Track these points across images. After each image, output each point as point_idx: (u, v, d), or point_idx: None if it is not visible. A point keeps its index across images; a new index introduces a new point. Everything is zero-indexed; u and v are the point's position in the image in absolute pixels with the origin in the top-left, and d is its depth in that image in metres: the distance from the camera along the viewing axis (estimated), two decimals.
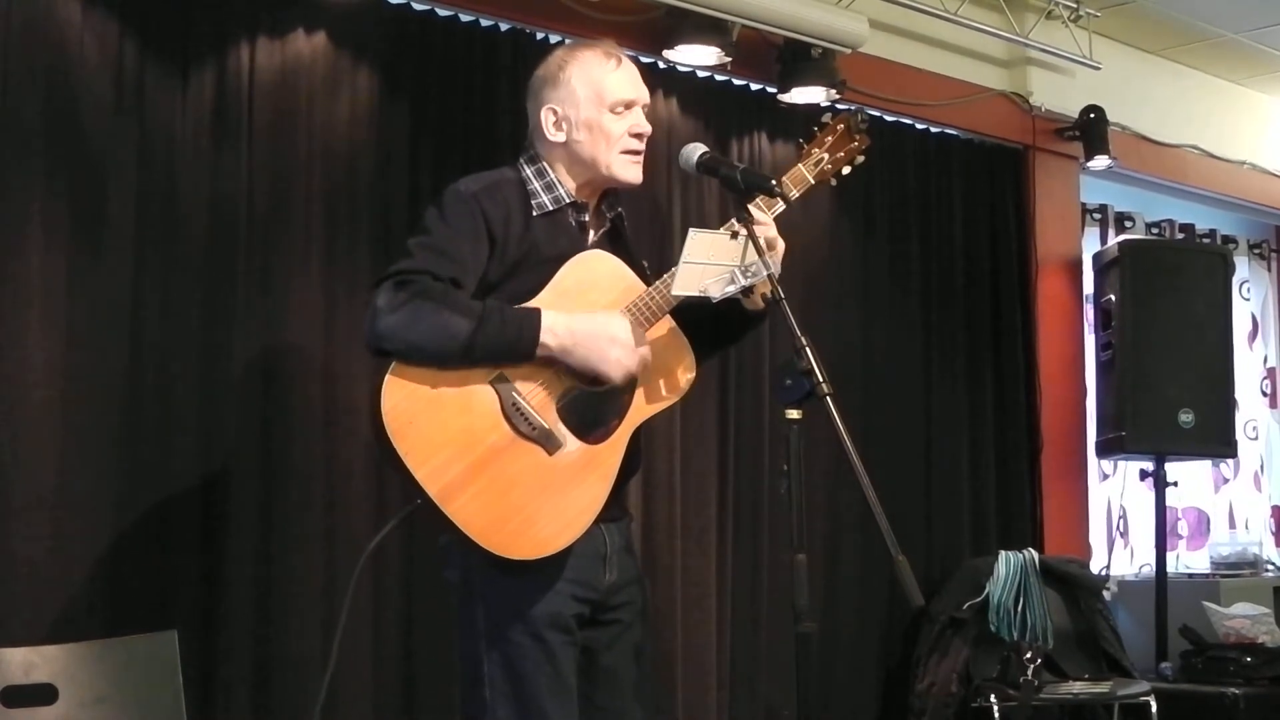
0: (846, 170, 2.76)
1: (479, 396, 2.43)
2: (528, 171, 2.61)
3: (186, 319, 3.46)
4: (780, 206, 2.65)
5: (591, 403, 2.49)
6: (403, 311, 2.37)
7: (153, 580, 3.34)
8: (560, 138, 2.61)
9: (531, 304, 2.49)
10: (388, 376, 2.39)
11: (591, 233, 2.64)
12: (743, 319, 2.65)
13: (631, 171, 2.61)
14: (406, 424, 2.38)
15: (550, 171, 2.61)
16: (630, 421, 2.52)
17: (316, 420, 3.61)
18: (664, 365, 2.56)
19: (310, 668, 3.53)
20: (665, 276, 2.52)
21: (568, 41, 4.18)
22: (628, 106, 2.60)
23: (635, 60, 2.75)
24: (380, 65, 3.85)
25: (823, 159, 2.72)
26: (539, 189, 2.59)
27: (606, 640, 2.58)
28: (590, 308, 2.51)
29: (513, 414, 2.44)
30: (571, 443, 2.47)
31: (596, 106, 2.58)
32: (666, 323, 2.57)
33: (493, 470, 2.41)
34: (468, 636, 2.50)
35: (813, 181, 2.71)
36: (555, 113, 2.61)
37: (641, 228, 2.78)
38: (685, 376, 2.60)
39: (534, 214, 2.56)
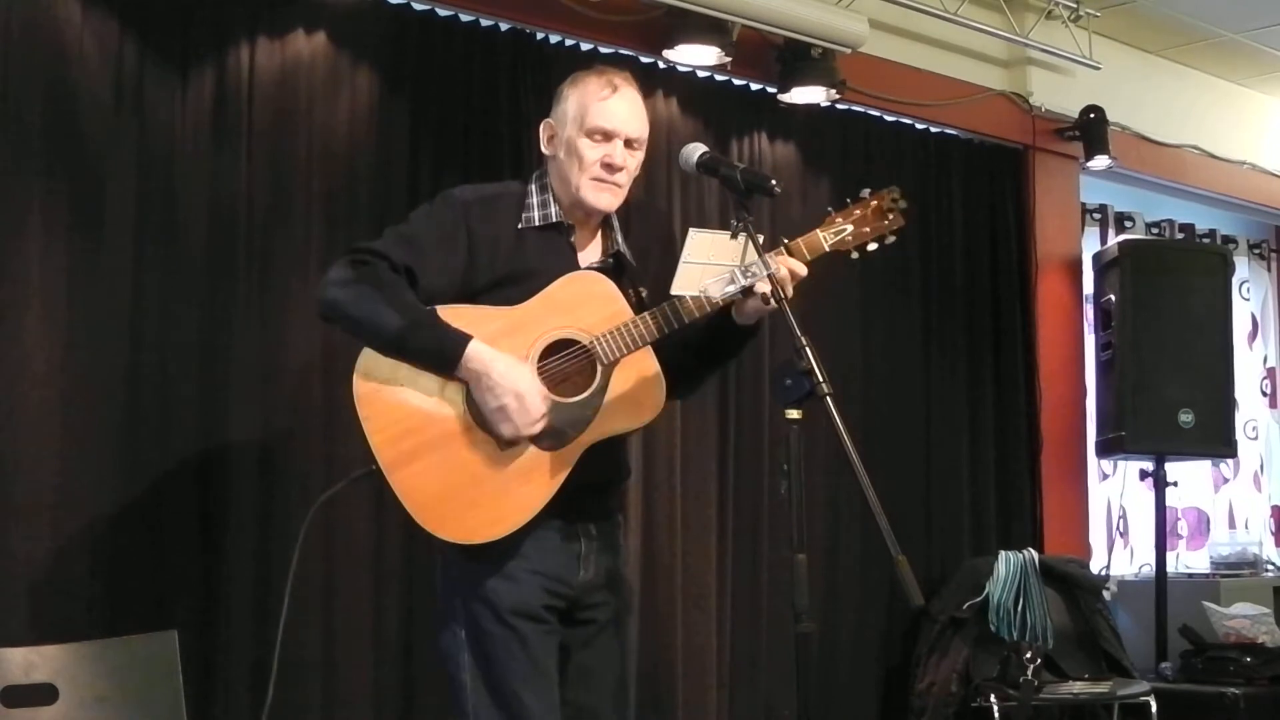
0: (873, 247, 2.68)
1: (452, 382, 2.51)
2: (533, 185, 2.66)
3: (186, 319, 3.46)
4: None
5: (556, 413, 2.52)
6: (348, 289, 2.49)
7: (152, 580, 3.34)
8: (550, 152, 2.66)
9: (519, 310, 2.54)
10: None
11: (581, 255, 2.65)
12: (736, 334, 2.65)
13: (599, 198, 2.61)
14: (374, 391, 2.50)
15: (551, 188, 2.65)
16: (588, 437, 2.55)
17: (316, 420, 3.61)
18: (634, 393, 2.58)
19: (310, 668, 3.54)
20: (654, 310, 2.55)
21: (568, 42, 4.23)
22: (606, 137, 2.60)
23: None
24: (380, 65, 3.85)
25: (845, 230, 2.65)
26: (534, 204, 2.63)
27: (582, 638, 2.63)
28: (575, 324, 2.55)
29: (476, 404, 2.50)
30: (525, 443, 2.51)
31: (577, 128, 2.60)
32: (646, 353, 2.58)
33: (443, 451, 2.49)
34: (445, 625, 2.59)
35: (827, 249, 2.64)
36: (550, 127, 2.67)
37: (651, 240, 2.77)
38: (651, 408, 2.60)
39: (520, 226, 2.60)
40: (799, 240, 2.62)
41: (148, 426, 3.38)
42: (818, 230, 2.66)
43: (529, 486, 2.51)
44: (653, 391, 2.59)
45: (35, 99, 3.26)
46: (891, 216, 2.68)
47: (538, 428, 2.49)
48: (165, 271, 3.44)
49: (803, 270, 2.58)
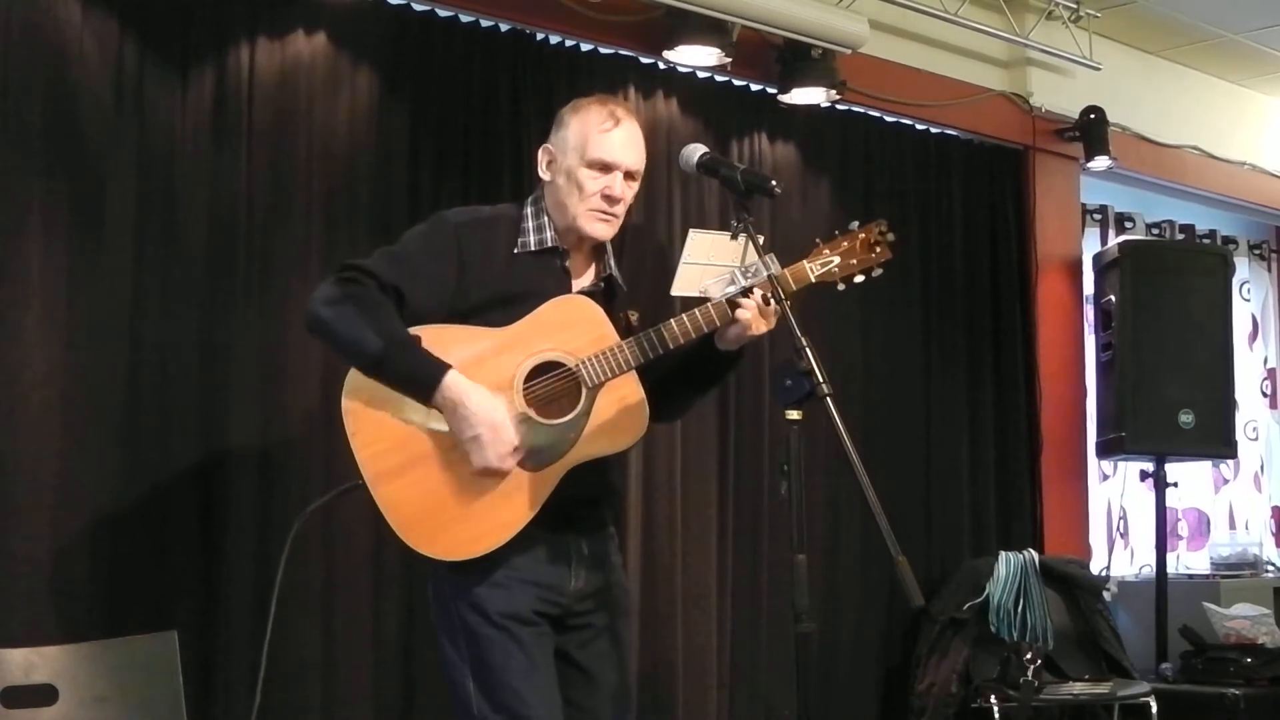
0: (860, 279, 2.68)
1: None
2: (529, 209, 2.67)
3: (186, 319, 3.46)
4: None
5: (540, 433, 2.54)
6: (332, 308, 2.51)
7: (152, 580, 3.34)
8: (548, 178, 2.68)
9: (507, 331, 2.56)
10: None
11: (575, 281, 2.67)
12: (719, 360, 2.65)
13: (597, 228, 2.63)
14: (362, 406, 2.52)
15: (546, 212, 2.66)
16: (570, 459, 2.56)
17: (316, 420, 3.60)
18: (617, 417, 2.59)
19: (310, 668, 3.53)
20: (638, 335, 2.56)
21: (568, 43, 4.23)
22: (605, 169, 2.61)
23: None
24: (380, 65, 3.85)
25: (832, 261, 2.65)
26: (530, 229, 2.65)
27: (578, 641, 2.66)
28: (562, 346, 2.56)
29: None
30: None
31: (578, 158, 2.62)
32: (631, 378, 2.59)
33: (426, 468, 2.52)
34: (442, 635, 2.61)
35: (813, 280, 2.65)
36: (549, 153, 2.68)
37: (644, 268, 2.78)
38: (633, 433, 2.62)
39: (515, 251, 2.62)
40: (785, 270, 2.61)
41: (148, 426, 3.38)
42: (804, 261, 2.65)
43: (510, 505, 2.52)
44: (635, 417, 2.60)
45: (35, 99, 3.26)
46: (879, 250, 2.67)
47: (510, 461, 2.49)
48: (165, 271, 3.44)
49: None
